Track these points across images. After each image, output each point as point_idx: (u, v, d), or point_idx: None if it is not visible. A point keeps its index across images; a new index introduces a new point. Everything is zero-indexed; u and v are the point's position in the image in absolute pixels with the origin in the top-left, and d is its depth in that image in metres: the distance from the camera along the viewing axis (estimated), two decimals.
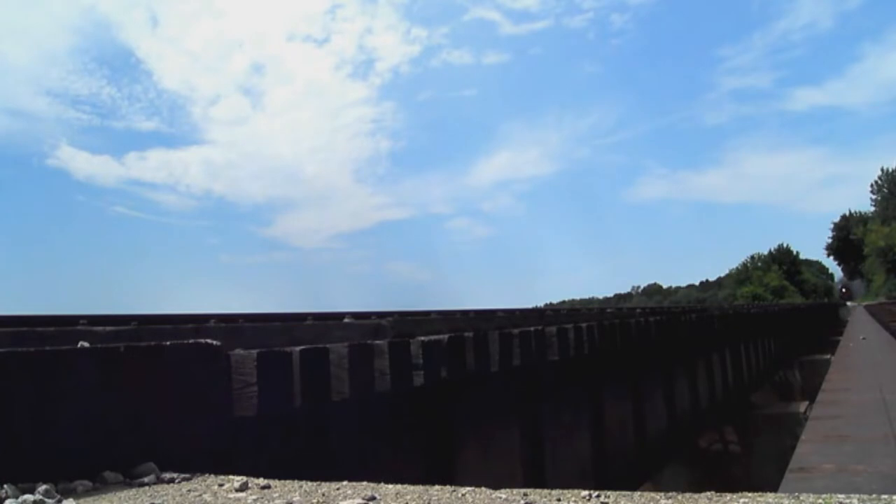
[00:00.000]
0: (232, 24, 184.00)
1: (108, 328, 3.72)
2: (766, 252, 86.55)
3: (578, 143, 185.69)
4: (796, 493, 1.55)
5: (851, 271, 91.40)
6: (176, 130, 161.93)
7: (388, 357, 3.23)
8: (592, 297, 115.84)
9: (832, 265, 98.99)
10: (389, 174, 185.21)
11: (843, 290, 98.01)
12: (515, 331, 4.61)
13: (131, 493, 1.87)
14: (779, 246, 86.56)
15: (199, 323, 4.49)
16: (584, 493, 1.64)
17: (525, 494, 1.68)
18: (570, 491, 1.68)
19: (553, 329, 5.18)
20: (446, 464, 3.98)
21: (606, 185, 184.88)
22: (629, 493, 1.64)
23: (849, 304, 67.27)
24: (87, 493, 1.88)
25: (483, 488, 1.75)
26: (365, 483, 1.89)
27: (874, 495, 1.50)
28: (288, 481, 1.96)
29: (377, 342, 3.30)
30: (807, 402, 12.72)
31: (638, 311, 15.31)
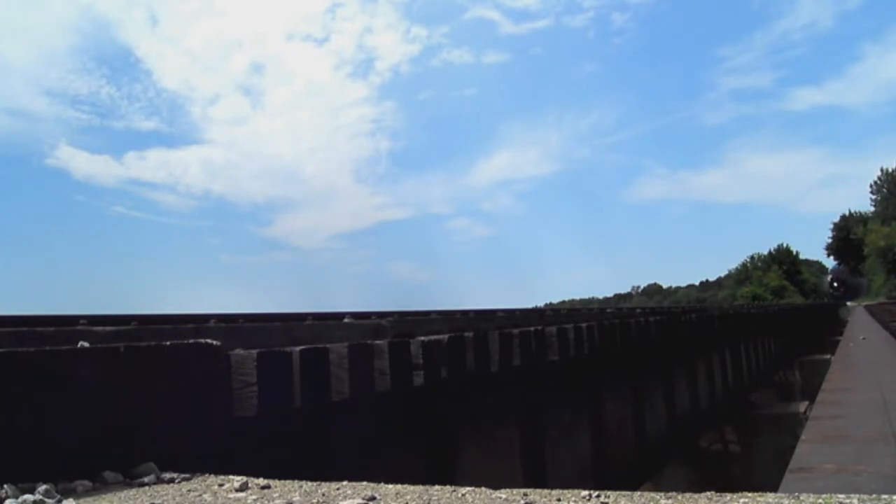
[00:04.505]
0: (232, 23, 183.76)
1: (108, 328, 3.73)
2: (766, 252, 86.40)
3: (578, 143, 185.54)
4: (796, 493, 1.56)
5: (851, 271, 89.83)
6: (175, 130, 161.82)
7: (388, 357, 3.23)
8: (592, 297, 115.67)
9: (832, 265, 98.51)
10: (389, 174, 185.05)
11: (835, 283, 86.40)
12: (515, 331, 4.61)
13: (131, 493, 1.88)
14: (779, 246, 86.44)
15: (199, 323, 4.49)
16: (584, 493, 1.64)
17: (525, 494, 1.68)
18: (570, 491, 1.68)
19: (553, 329, 5.18)
20: (446, 464, 3.98)
21: (606, 185, 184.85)
22: (629, 493, 1.64)
23: (849, 304, 66.51)
24: (87, 493, 1.88)
25: (483, 488, 1.75)
26: (365, 483, 1.89)
27: (874, 495, 1.50)
28: (288, 481, 1.96)
29: (377, 342, 3.30)
30: (807, 402, 12.72)
31: (638, 311, 15.32)
